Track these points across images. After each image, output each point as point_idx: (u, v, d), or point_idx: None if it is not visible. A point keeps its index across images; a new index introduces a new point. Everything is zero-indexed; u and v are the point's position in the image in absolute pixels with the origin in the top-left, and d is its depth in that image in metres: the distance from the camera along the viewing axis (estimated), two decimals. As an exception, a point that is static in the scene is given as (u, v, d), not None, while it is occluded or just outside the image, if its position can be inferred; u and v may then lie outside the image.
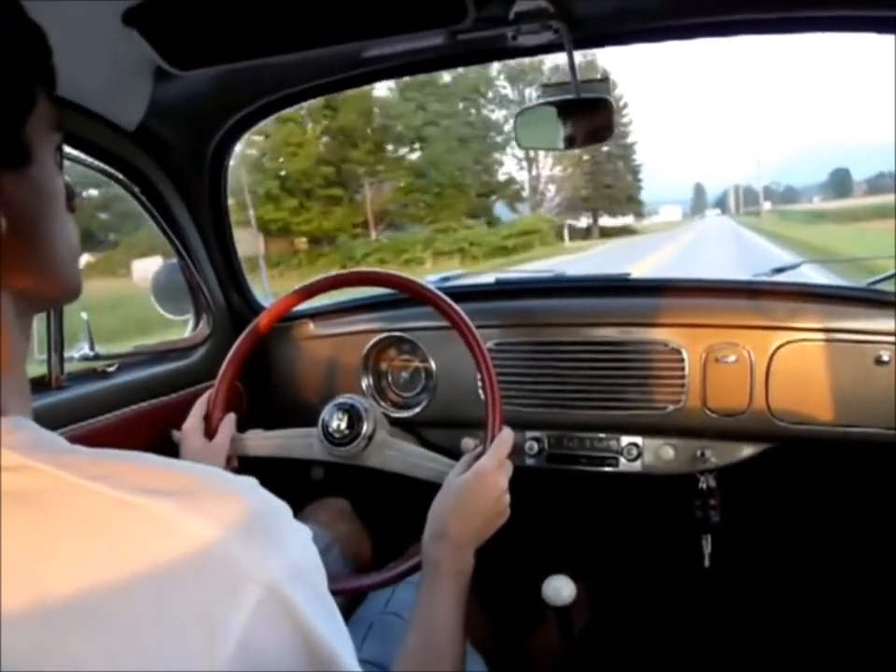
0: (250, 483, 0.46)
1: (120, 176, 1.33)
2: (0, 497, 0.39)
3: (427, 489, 1.00)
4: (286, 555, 0.42)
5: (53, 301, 0.56)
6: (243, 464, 1.20)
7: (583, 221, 52.04)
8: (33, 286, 0.48)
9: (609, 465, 1.42)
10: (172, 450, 1.15)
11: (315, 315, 1.64)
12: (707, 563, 1.43)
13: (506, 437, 1.00)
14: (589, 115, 1.23)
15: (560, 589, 1.24)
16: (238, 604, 0.39)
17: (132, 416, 1.29)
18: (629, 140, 52.96)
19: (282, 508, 0.46)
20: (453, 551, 0.88)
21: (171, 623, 0.38)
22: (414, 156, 33.03)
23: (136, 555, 0.39)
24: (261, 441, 1.21)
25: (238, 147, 1.54)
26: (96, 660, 0.37)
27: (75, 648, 0.37)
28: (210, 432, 1.16)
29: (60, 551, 0.38)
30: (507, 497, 0.95)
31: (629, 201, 54.45)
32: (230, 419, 1.18)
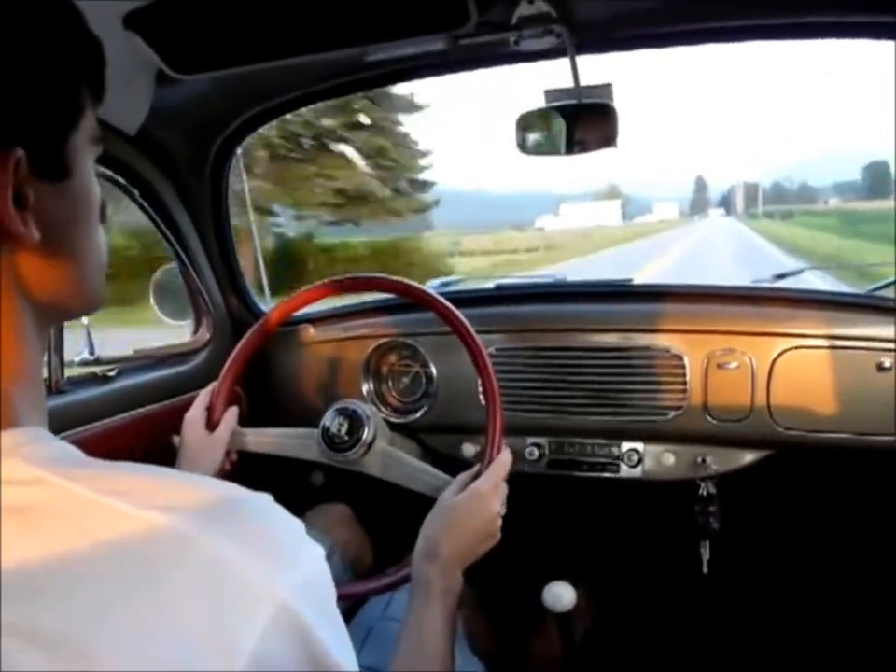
0: (265, 499, 0.46)
1: (121, 180, 1.33)
2: (13, 511, 0.39)
3: (428, 497, 1.00)
4: (298, 573, 0.42)
5: (76, 312, 0.55)
6: (243, 464, 1.20)
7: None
8: (58, 298, 0.48)
9: (609, 471, 1.42)
10: (171, 455, 1.15)
11: (315, 319, 1.63)
12: (705, 569, 1.42)
13: (504, 460, 0.99)
14: (592, 120, 1.23)
15: (560, 595, 1.24)
16: (251, 620, 0.39)
17: (131, 421, 1.29)
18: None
19: (296, 525, 0.46)
20: (442, 570, 0.88)
21: (185, 638, 0.38)
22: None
23: (151, 572, 0.39)
24: (261, 438, 1.21)
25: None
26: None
27: (90, 659, 0.37)
28: (212, 424, 1.16)
29: (73, 565, 0.38)
30: (499, 521, 0.95)
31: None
32: (232, 412, 1.18)
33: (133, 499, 0.40)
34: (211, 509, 0.42)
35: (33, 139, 0.42)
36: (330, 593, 0.46)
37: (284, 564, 0.42)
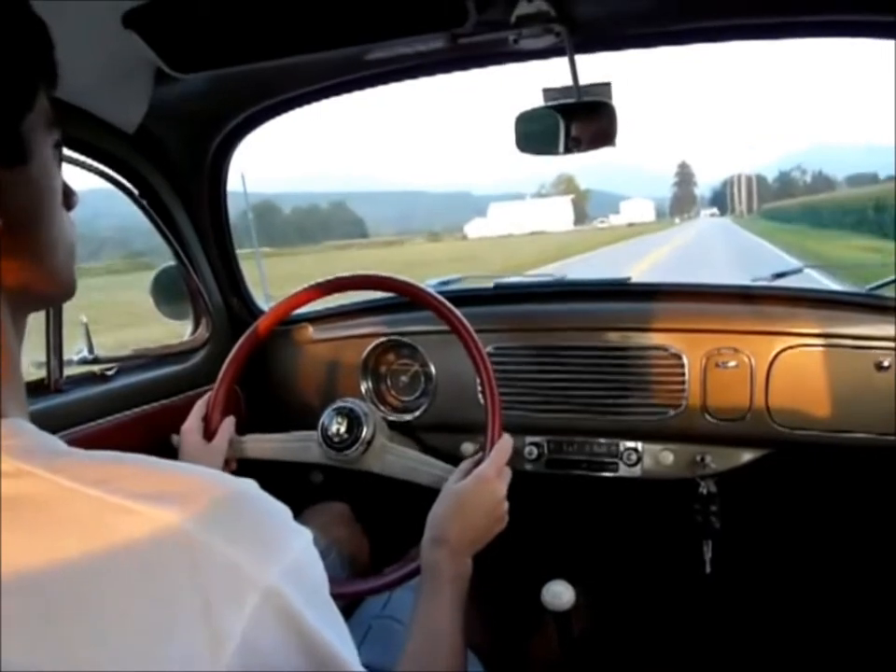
0: (250, 485, 0.46)
1: (119, 178, 1.33)
2: None
3: (426, 494, 1.00)
4: (286, 559, 0.43)
5: (48, 299, 0.56)
6: (241, 466, 1.19)
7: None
8: (28, 283, 0.48)
9: (608, 470, 1.42)
10: (171, 454, 1.15)
11: (314, 318, 1.63)
12: (708, 569, 1.42)
13: (505, 444, 1.00)
14: (590, 119, 1.22)
15: (559, 594, 1.23)
16: (239, 607, 0.39)
17: (131, 420, 1.29)
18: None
19: (282, 511, 0.46)
20: (451, 557, 0.88)
21: (173, 625, 0.38)
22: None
23: (137, 560, 0.39)
24: (260, 444, 1.21)
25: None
26: (100, 662, 0.37)
27: (77, 649, 0.37)
28: (209, 433, 1.16)
29: (58, 556, 0.38)
30: (506, 504, 0.95)
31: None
32: (229, 421, 1.18)
33: (115, 489, 0.40)
34: (196, 496, 0.42)
35: None
36: (320, 576, 0.46)
37: (271, 549, 0.42)
